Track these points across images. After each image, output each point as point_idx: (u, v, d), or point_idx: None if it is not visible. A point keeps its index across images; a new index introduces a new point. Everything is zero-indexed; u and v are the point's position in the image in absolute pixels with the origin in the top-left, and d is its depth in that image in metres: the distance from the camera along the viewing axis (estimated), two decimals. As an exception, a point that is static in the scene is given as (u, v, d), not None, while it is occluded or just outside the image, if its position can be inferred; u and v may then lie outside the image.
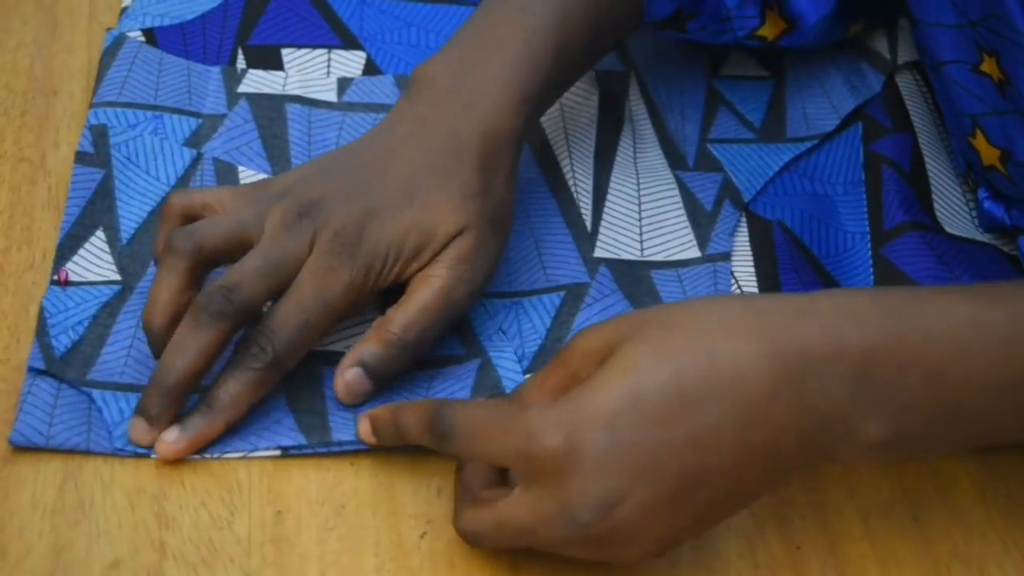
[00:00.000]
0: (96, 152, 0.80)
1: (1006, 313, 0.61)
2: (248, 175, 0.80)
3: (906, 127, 0.83)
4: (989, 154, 0.75)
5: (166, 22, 0.89)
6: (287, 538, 0.65)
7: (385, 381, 0.70)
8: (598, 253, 0.78)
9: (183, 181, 0.80)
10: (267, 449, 0.68)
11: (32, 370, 0.70)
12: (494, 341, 0.73)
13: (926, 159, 0.81)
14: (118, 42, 0.87)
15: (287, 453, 0.68)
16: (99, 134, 0.81)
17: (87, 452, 0.67)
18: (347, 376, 0.69)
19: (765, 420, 0.59)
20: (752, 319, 0.60)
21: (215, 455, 0.68)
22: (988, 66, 0.73)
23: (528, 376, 0.71)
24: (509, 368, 0.72)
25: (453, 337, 0.74)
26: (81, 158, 0.80)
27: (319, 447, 0.68)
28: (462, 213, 0.70)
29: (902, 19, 0.87)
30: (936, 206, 0.79)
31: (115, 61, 0.86)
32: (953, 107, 0.77)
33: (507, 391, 0.71)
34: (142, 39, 0.87)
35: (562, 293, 0.76)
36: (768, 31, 0.83)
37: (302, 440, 0.68)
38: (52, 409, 0.68)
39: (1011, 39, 0.70)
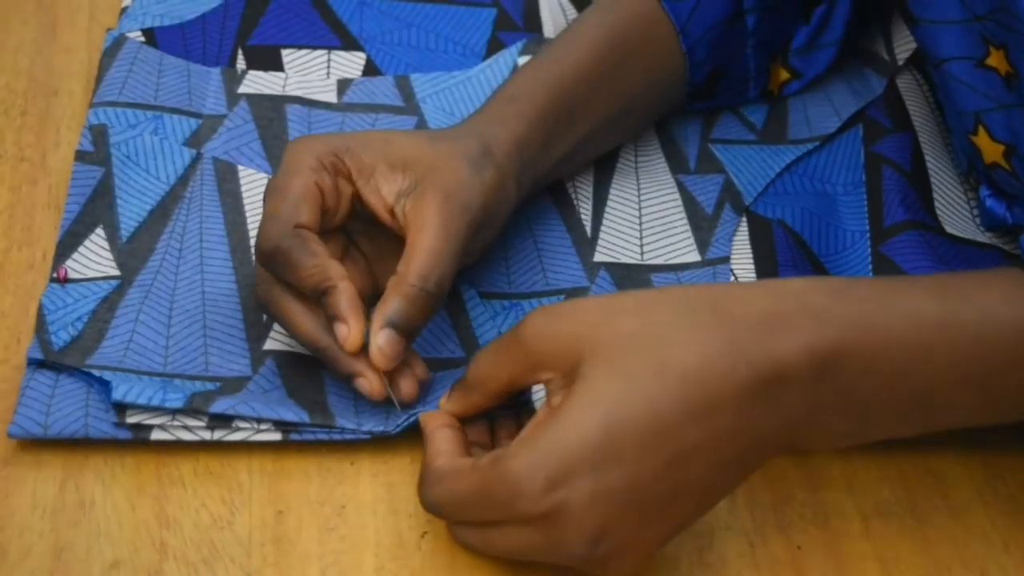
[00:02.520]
0: (96, 151, 0.80)
1: (974, 311, 0.62)
2: (248, 175, 0.80)
3: (906, 127, 0.83)
4: (992, 151, 0.75)
5: (166, 22, 0.89)
6: (288, 538, 0.65)
7: (417, 334, 0.69)
8: (598, 257, 0.78)
9: (183, 180, 0.80)
10: (269, 431, 0.68)
11: (31, 362, 0.70)
12: (494, 344, 0.73)
13: (927, 158, 0.81)
14: (118, 42, 0.87)
15: (288, 438, 0.68)
16: (99, 134, 0.81)
17: (85, 438, 0.67)
18: (379, 340, 0.67)
19: (739, 432, 0.60)
20: (721, 331, 0.60)
21: (218, 437, 0.68)
22: (995, 59, 0.73)
23: None
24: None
25: (453, 339, 0.74)
26: (81, 156, 0.80)
27: (320, 432, 0.68)
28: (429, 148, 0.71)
29: (897, 17, 0.87)
30: (937, 205, 0.79)
31: (115, 61, 0.86)
32: (955, 104, 0.77)
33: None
34: (142, 39, 0.87)
35: (562, 296, 0.76)
36: (772, 84, 0.87)
37: (304, 416, 0.68)
38: (49, 399, 0.68)
39: (1020, 31, 0.70)
